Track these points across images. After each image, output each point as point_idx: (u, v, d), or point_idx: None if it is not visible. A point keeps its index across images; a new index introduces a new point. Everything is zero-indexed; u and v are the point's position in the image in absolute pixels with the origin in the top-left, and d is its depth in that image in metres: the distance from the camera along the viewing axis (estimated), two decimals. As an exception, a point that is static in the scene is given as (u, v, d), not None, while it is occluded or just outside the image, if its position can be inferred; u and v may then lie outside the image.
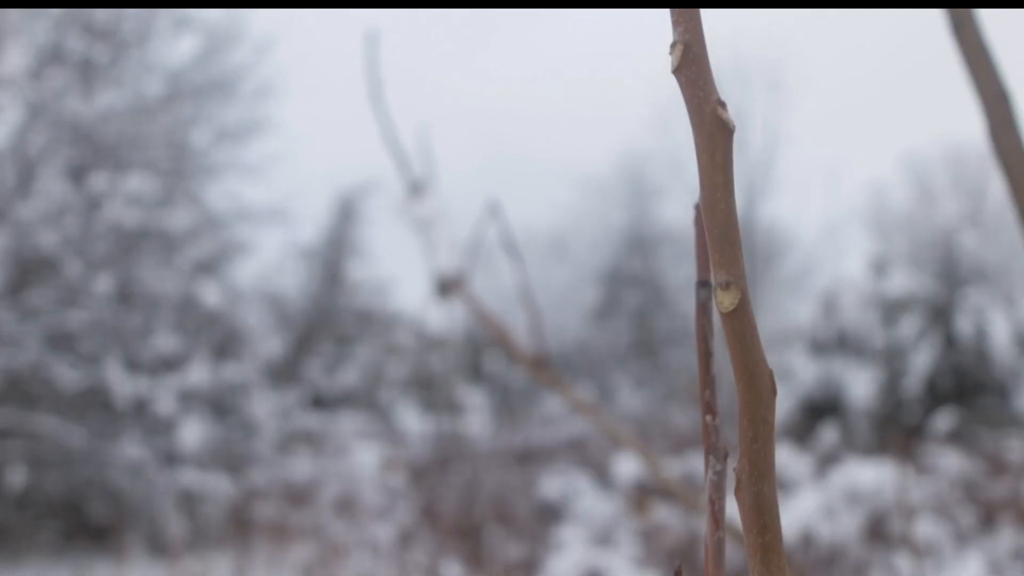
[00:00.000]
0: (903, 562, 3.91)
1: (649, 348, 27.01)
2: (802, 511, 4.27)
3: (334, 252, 16.92)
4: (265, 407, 7.75)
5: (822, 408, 15.42)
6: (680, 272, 26.13)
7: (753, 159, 15.53)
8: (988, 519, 6.16)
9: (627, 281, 27.79)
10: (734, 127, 0.28)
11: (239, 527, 6.37)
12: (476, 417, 19.44)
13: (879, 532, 4.43)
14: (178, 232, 6.47)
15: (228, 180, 11.70)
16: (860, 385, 14.52)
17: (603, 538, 4.89)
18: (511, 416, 21.02)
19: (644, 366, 26.73)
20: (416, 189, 1.22)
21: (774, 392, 0.27)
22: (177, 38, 7.85)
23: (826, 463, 12.91)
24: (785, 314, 18.19)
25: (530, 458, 11.53)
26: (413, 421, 15.85)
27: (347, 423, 12.77)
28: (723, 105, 0.27)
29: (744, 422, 0.29)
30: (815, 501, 4.33)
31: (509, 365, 22.12)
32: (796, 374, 15.31)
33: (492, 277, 38.50)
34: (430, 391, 19.15)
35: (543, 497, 6.53)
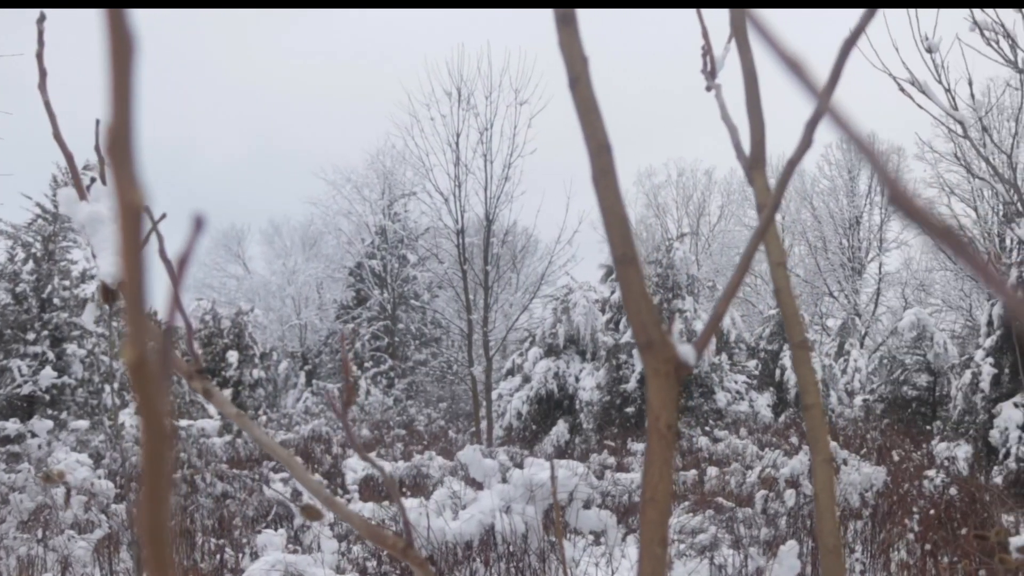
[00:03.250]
0: (575, 549, 4.30)
1: (395, 347, 27.11)
2: (484, 507, 4.51)
3: (48, 236, 15.27)
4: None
5: (556, 402, 16.44)
6: (426, 273, 26.52)
7: (496, 166, 16.16)
8: (671, 501, 6.91)
9: (375, 279, 27.70)
10: (146, 210, 0.29)
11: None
12: (210, 418, 18.40)
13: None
14: None
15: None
16: (588, 382, 15.64)
17: (309, 541, 4.88)
18: (250, 416, 20.12)
19: (391, 364, 26.79)
20: (84, 189, 1.13)
21: (167, 439, 0.29)
22: None
23: (558, 455, 13.74)
24: (523, 315, 19.04)
25: (263, 460, 11.16)
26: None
27: (54, 426, 11.58)
28: (143, 193, 0.28)
29: (144, 461, 0.31)
30: (498, 497, 4.59)
31: (246, 362, 21.15)
32: (531, 372, 16.17)
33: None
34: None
35: (269, 500, 6.34)
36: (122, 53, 0.30)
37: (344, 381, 0.88)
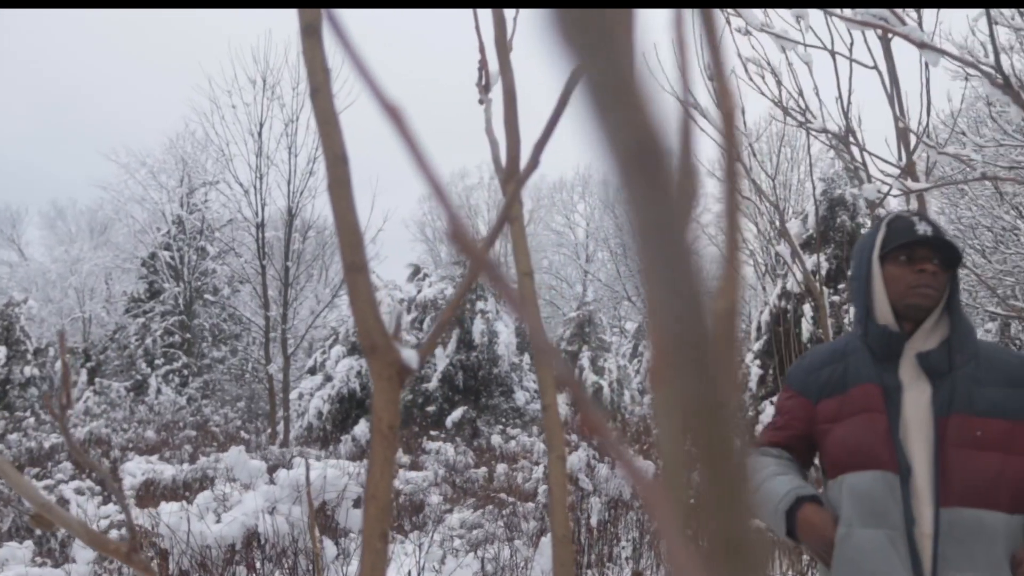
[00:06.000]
0: (343, 548, 4.35)
1: (190, 343, 25.72)
2: (248, 509, 4.44)
3: None
4: None
5: (357, 401, 16.27)
6: (225, 267, 25.36)
7: (301, 160, 15.77)
8: (459, 497, 7.11)
9: (170, 271, 26.15)
10: None
11: None
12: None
13: (327, 523, 4.84)
14: None
15: None
16: (391, 381, 15.58)
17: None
18: (15, 418, 18.37)
19: (185, 362, 25.38)
20: None
21: None
22: None
23: (360, 454, 13.60)
24: (330, 312, 18.72)
25: (25, 466, 10.25)
26: None
27: None
28: None
29: None
30: (263, 498, 4.54)
31: (17, 358, 19.31)
32: (334, 371, 15.92)
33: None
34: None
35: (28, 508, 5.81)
36: None
37: (62, 382, 0.86)
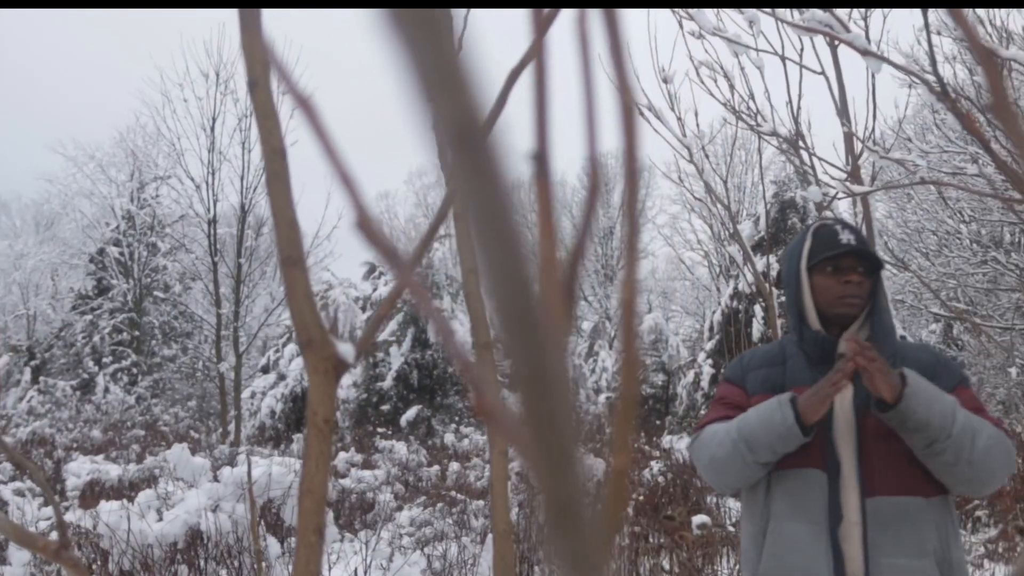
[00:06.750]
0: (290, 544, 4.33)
1: (139, 341, 25.21)
2: (190, 507, 4.39)
3: None
4: None
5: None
6: (176, 264, 24.92)
7: (255, 156, 15.54)
8: (411, 496, 7.10)
9: (119, 268, 25.61)
10: None
11: None
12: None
13: (273, 521, 4.82)
14: None
15: None
16: (345, 379, 15.54)
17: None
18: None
19: (135, 360, 24.88)
20: None
21: None
22: None
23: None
24: (284, 311, 18.49)
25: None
26: None
27: None
28: None
29: None
30: (206, 496, 4.49)
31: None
32: (287, 369, 15.75)
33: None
34: None
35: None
36: None
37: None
